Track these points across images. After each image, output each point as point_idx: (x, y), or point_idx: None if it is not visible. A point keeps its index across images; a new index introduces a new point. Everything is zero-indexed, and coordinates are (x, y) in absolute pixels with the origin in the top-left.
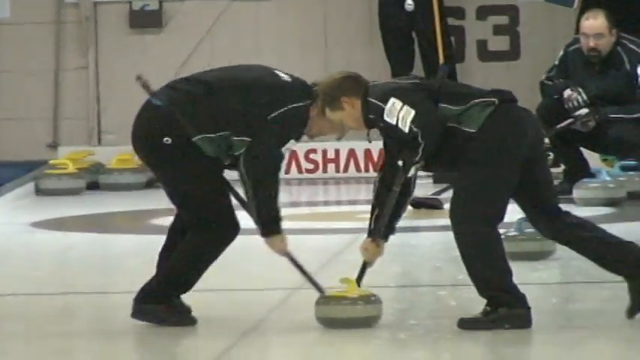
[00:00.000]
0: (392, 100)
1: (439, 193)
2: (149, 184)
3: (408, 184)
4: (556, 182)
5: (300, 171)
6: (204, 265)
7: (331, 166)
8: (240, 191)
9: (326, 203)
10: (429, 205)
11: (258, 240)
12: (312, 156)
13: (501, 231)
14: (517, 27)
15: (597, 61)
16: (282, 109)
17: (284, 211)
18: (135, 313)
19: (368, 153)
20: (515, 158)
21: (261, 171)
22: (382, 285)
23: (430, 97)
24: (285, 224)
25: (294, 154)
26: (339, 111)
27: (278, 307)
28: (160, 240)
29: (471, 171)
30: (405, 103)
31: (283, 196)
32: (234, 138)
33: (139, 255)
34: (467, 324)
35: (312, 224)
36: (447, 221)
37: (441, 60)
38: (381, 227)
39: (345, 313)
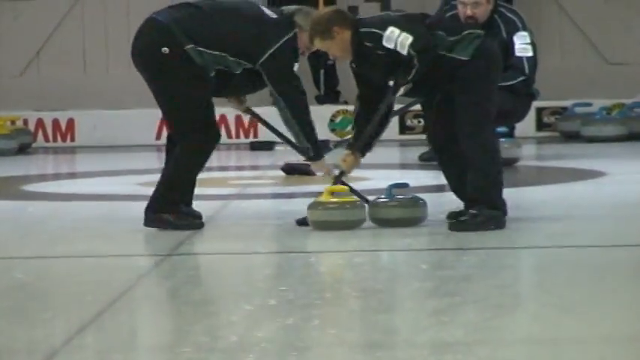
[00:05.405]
0: (390, 28)
1: None
2: (21, 150)
3: (390, 107)
4: (425, 150)
5: None
6: (194, 172)
7: None
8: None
9: None
10: (302, 171)
11: (128, 206)
12: None
13: (371, 197)
14: None
15: None
16: (276, 45)
17: (154, 178)
18: (147, 222)
19: (239, 119)
20: (497, 83)
21: (293, 99)
22: (251, 252)
23: (422, 25)
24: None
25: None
26: (329, 40)
27: (148, 273)
28: (31, 205)
29: (469, 93)
30: (402, 30)
31: (155, 163)
32: (230, 58)
33: (9, 221)
34: (458, 227)
35: None
36: (318, 187)
37: None
38: (361, 142)
39: (338, 217)
